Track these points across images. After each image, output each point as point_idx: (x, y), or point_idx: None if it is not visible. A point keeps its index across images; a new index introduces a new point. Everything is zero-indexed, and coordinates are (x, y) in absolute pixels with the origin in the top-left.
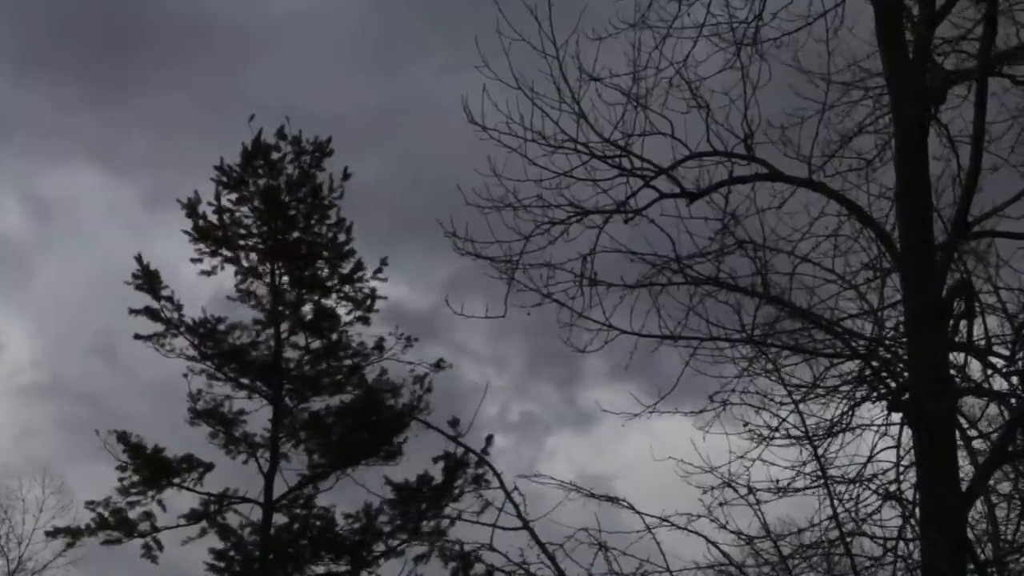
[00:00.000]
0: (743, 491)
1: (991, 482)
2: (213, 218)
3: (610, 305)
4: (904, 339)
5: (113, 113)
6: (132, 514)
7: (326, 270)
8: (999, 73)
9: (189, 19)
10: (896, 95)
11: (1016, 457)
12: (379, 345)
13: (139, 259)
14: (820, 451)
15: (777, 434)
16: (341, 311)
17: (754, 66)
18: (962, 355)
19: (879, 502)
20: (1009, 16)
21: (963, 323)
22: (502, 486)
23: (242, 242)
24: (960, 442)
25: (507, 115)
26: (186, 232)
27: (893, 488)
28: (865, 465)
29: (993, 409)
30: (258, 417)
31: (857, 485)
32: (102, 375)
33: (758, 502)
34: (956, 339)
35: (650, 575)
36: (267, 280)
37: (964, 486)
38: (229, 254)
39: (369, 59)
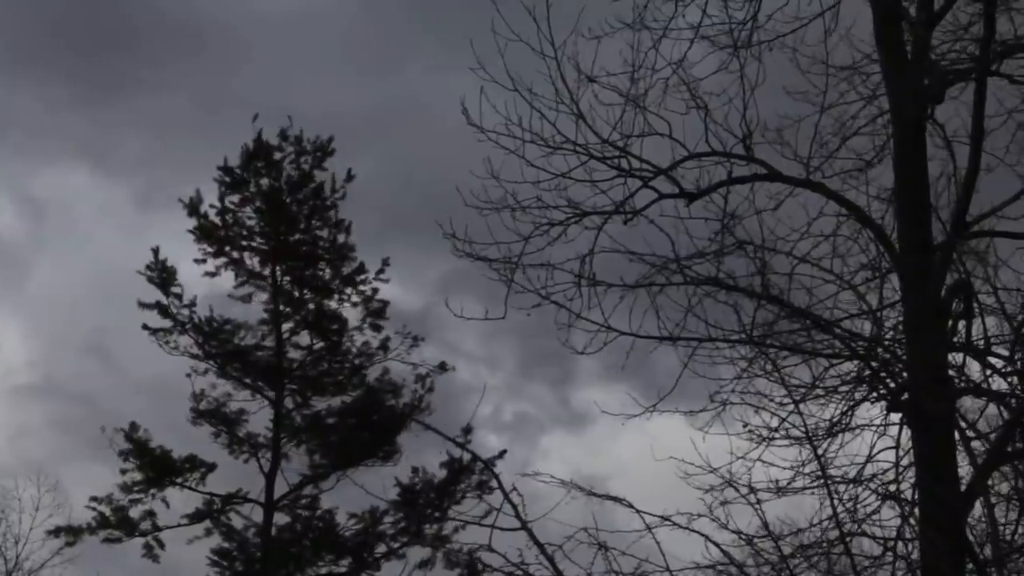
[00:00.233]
0: (743, 491)
1: (990, 482)
2: (216, 219)
3: (609, 306)
4: (903, 339)
5: (106, 113)
6: (134, 512)
7: (328, 271)
8: (998, 72)
9: (181, 19)
10: (894, 95)
11: (1016, 457)
12: (383, 346)
13: (156, 252)
14: (820, 451)
15: (777, 434)
16: (349, 315)
17: (751, 67)
18: (961, 355)
19: (879, 502)
20: (1007, 15)
21: (962, 323)
22: (500, 487)
23: (244, 243)
24: (960, 442)
25: (505, 116)
26: (190, 231)
27: (893, 488)
28: (865, 465)
29: (992, 409)
30: (260, 417)
31: (857, 485)
32: (96, 375)
33: (759, 502)
34: (955, 339)
35: (650, 575)
36: (269, 281)
37: (964, 486)
38: (233, 255)
39: (361, 59)
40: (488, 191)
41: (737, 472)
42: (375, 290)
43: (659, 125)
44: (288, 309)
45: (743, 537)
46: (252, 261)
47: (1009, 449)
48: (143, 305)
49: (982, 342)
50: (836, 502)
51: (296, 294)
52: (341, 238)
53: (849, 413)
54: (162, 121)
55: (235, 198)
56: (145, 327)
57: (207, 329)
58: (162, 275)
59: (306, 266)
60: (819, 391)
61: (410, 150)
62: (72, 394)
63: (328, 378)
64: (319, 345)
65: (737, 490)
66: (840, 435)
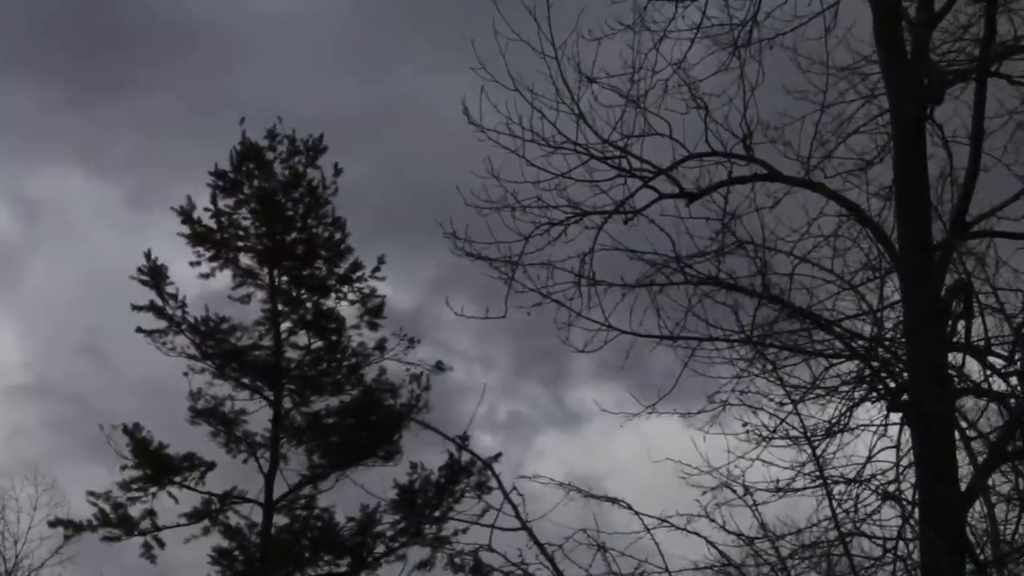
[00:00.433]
0: (741, 491)
1: (991, 482)
2: (210, 222)
3: (609, 306)
4: (903, 339)
5: (99, 114)
6: (133, 511)
7: (325, 270)
8: (998, 73)
9: (174, 20)
10: (894, 95)
11: (1016, 457)
12: (380, 346)
13: (148, 255)
14: (819, 451)
15: (776, 435)
16: (347, 314)
17: (751, 67)
18: (961, 355)
19: (878, 502)
20: (1008, 16)
21: (962, 323)
22: (500, 487)
23: (240, 243)
24: (960, 442)
25: (506, 116)
26: (182, 235)
27: (892, 488)
28: (864, 465)
29: (992, 409)
30: (258, 417)
31: (856, 485)
32: (90, 375)
33: (755, 503)
34: (955, 339)
35: (649, 575)
36: (266, 281)
37: (964, 486)
38: (229, 257)
39: (353, 60)
40: (488, 191)
41: (736, 472)
42: (372, 288)
43: (659, 125)
44: (286, 308)
45: (742, 538)
46: (249, 262)
47: (1009, 449)
48: (136, 308)
49: (982, 342)
50: (835, 503)
51: (294, 293)
52: (337, 236)
53: (848, 413)
54: (155, 121)
55: (229, 200)
56: (140, 330)
57: (203, 329)
58: (155, 276)
59: (303, 265)
60: (819, 391)
61: (402, 150)
62: (66, 394)
63: (326, 378)
64: (317, 345)
65: (735, 491)
66: (839, 435)
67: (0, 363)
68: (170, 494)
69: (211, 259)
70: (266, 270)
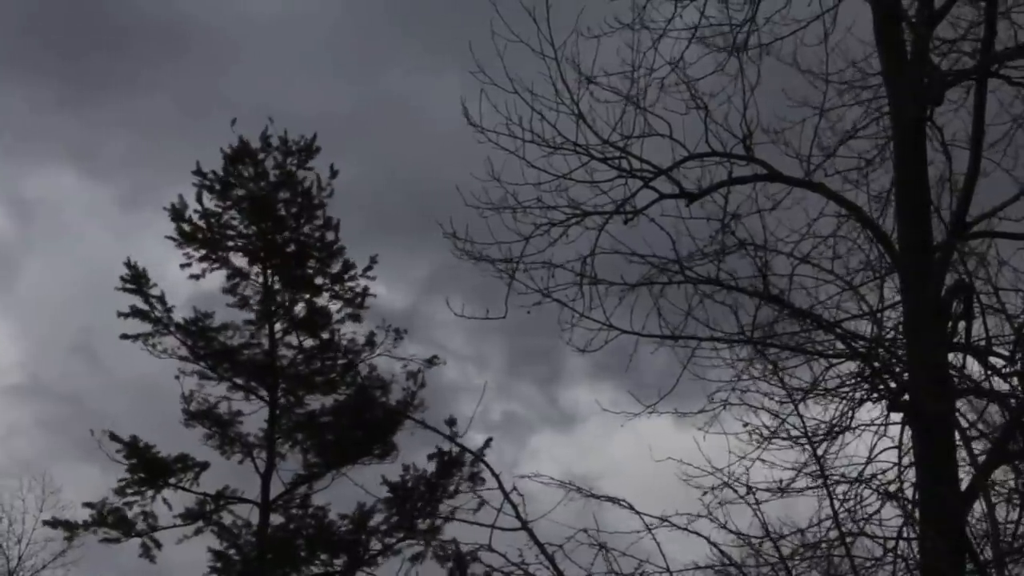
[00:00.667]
0: (743, 491)
1: (991, 482)
2: (200, 223)
3: (609, 306)
4: (903, 339)
5: (92, 114)
6: (129, 514)
7: (317, 269)
8: (998, 74)
9: (166, 21)
10: (895, 96)
11: (1016, 457)
12: (370, 341)
13: (128, 263)
14: (820, 452)
15: (777, 435)
16: (332, 308)
17: (751, 67)
18: (961, 355)
19: (879, 502)
20: (1008, 17)
21: (962, 323)
22: (500, 487)
23: (231, 243)
24: (960, 442)
25: (506, 117)
26: (171, 238)
27: (893, 488)
28: (865, 465)
29: (993, 409)
30: (253, 417)
31: (857, 485)
32: (83, 375)
33: (757, 502)
34: (955, 339)
35: (649, 575)
36: (259, 280)
37: (964, 486)
38: (219, 255)
39: (344, 62)
40: (488, 191)
41: (736, 472)
42: (365, 288)
43: (659, 125)
44: (279, 309)
45: (743, 538)
46: (240, 262)
47: (1010, 449)
48: (122, 315)
49: (983, 342)
50: (836, 502)
51: (286, 293)
52: (329, 236)
53: (849, 413)
54: (148, 122)
55: (220, 201)
56: (124, 336)
57: (193, 330)
58: (137, 282)
59: (296, 265)
60: (819, 391)
61: (393, 151)
62: (59, 394)
63: (320, 376)
64: (309, 343)
65: (736, 491)
66: (840, 435)
67: None
68: (164, 500)
69: (201, 259)
70: (257, 269)
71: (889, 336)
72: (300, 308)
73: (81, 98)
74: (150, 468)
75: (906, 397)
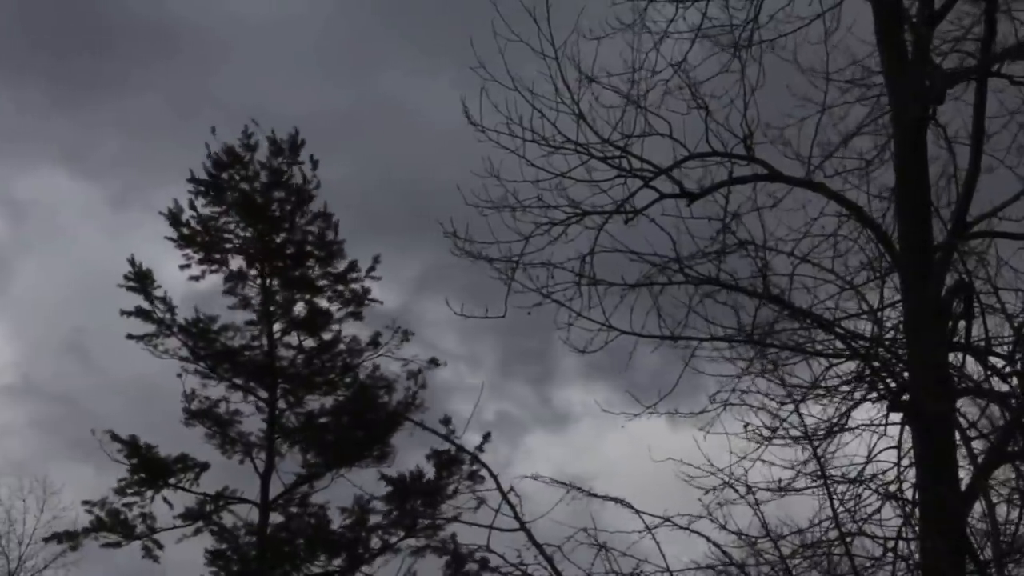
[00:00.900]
0: (743, 491)
1: (991, 482)
2: (197, 226)
3: (609, 306)
4: (903, 339)
5: (83, 115)
6: (130, 515)
7: (316, 269)
8: (998, 73)
9: (157, 21)
10: (895, 95)
11: (1016, 457)
12: (374, 341)
13: (132, 261)
14: (820, 451)
15: (776, 434)
16: (332, 308)
17: (752, 67)
18: (961, 355)
19: (879, 502)
20: (1008, 16)
21: (962, 323)
22: (499, 487)
23: (229, 245)
24: (960, 442)
25: (506, 116)
26: (170, 239)
27: (893, 488)
28: (865, 465)
29: (993, 409)
30: (253, 417)
31: (857, 485)
32: (76, 375)
33: (757, 502)
34: (955, 339)
35: (649, 575)
36: (257, 281)
37: (964, 486)
38: (218, 258)
39: (334, 63)
40: (488, 190)
41: (736, 472)
42: (367, 289)
43: (660, 125)
44: (278, 309)
45: (743, 538)
46: (239, 263)
47: (1010, 449)
48: (125, 313)
49: (983, 342)
50: (836, 502)
51: (285, 294)
52: (329, 235)
53: (849, 413)
54: (139, 123)
55: (214, 203)
56: (130, 336)
57: (194, 331)
58: (141, 281)
59: (295, 265)
60: (819, 391)
61: (384, 152)
62: (52, 394)
63: (320, 377)
64: (310, 344)
65: (736, 491)
66: (840, 435)
67: None
68: (165, 499)
69: (200, 261)
70: (255, 270)
71: (889, 336)
72: (299, 308)
73: (72, 99)
74: (150, 468)
75: (906, 397)
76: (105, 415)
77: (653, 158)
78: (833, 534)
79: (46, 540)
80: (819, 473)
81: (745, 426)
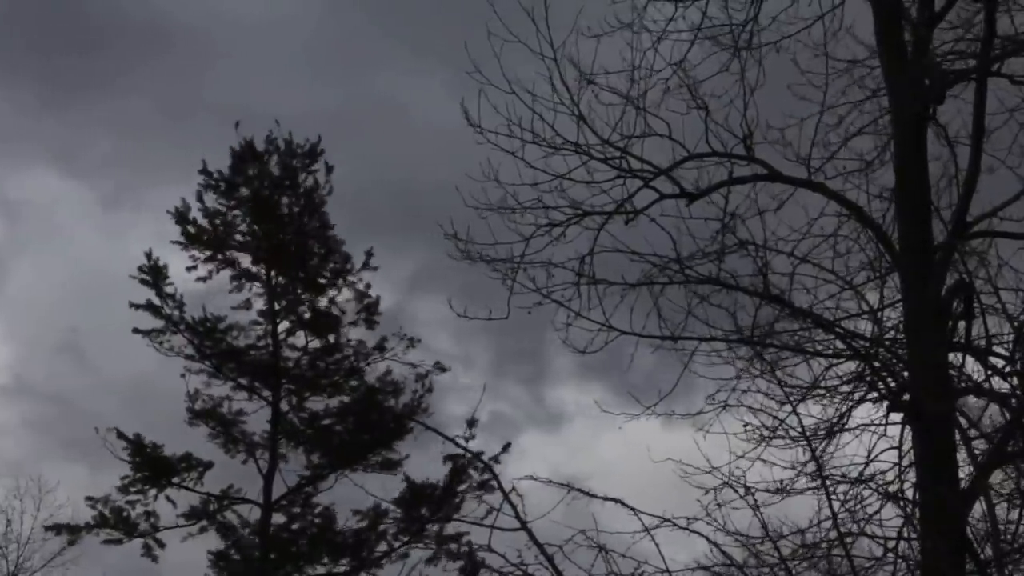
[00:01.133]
0: (742, 491)
1: (991, 482)
2: (204, 223)
3: (609, 306)
4: (903, 339)
5: (74, 116)
6: (133, 513)
7: (318, 266)
8: (998, 73)
9: (148, 22)
10: (895, 95)
11: (1016, 457)
12: (380, 346)
13: (149, 255)
14: (819, 451)
15: (776, 435)
16: (342, 312)
17: (752, 67)
18: (961, 355)
19: (879, 502)
20: (1008, 16)
21: (962, 323)
22: (500, 487)
23: (236, 243)
24: (960, 442)
25: (506, 118)
26: (177, 242)
27: (893, 488)
28: (865, 465)
29: (993, 409)
30: (257, 417)
31: (857, 485)
32: (70, 375)
33: (757, 503)
34: (956, 339)
35: None
36: (264, 281)
37: (964, 486)
38: (224, 257)
39: (326, 64)
40: (487, 192)
41: (736, 473)
42: (368, 285)
43: (659, 126)
44: (283, 308)
45: (743, 538)
46: (245, 262)
47: (1010, 449)
48: (135, 306)
49: (983, 342)
50: (836, 503)
51: (291, 294)
52: (329, 232)
53: (849, 413)
54: (130, 122)
55: (224, 201)
56: (136, 330)
57: (201, 329)
58: (155, 276)
59: (300, 265)
60: (819, 391)
61: (376, 151)
62: (46, 394)
63: (324, 378)
64: (315, 344)
65: (736, 491)
66: (840, 435)
67: None
68: (168, 498)
69: (206, 261)
70: (262, 269)
71: (889, 336)
72: (304, 309)
73: (63, 99)
74: (154, 467)
75: (906, 397)
76: (99, 415)
77: (653, 158)
78: (833, 535)
79: (47, 528)
80: (819, 473)
81: (744, 426)
